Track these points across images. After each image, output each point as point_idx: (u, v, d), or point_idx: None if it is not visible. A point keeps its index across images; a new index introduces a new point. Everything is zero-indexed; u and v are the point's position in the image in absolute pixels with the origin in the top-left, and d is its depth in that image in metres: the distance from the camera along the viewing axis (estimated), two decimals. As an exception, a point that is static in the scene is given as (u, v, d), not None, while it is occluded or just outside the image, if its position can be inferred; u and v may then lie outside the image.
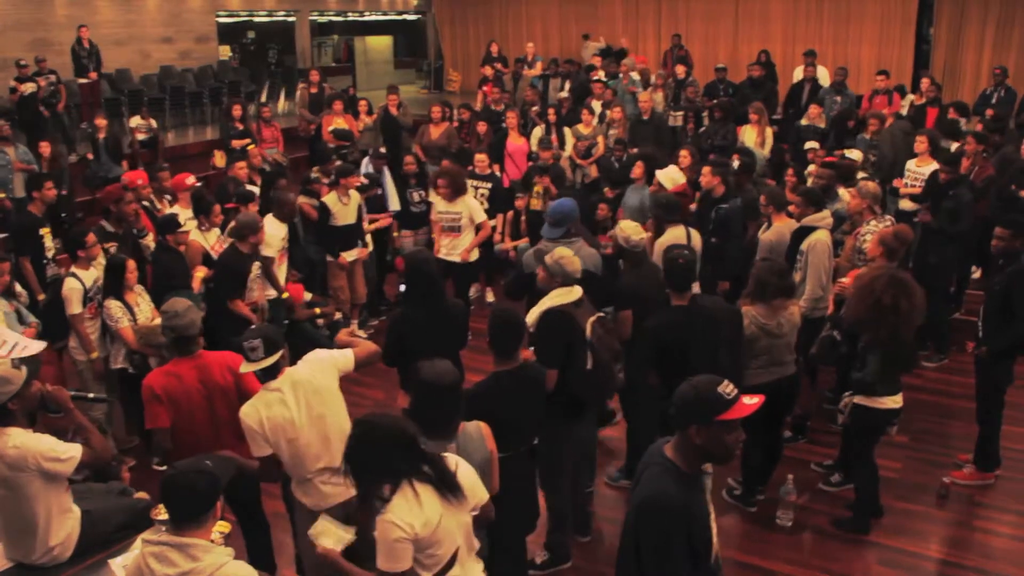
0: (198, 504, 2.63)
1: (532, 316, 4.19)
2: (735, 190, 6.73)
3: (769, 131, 9.49)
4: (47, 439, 3.34)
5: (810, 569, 4.54)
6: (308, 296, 7.30)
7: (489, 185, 8.00)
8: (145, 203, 6.81)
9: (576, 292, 4.25)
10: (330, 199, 7.12)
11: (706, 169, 6.73)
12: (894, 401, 4.60)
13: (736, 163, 7.45)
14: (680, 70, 11.97)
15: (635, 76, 12.45)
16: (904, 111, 10.62)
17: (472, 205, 7.15)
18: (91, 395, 4.49)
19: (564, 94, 12.00)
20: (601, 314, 4.36)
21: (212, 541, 3.07)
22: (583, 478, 4.76)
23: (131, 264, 5.32)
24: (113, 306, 5.25)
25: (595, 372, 4.21)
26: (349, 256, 7.23)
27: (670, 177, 6.57)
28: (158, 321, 5.34)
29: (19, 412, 3.34)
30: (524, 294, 5.05)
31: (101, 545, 3.55)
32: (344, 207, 7.11)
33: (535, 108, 10.73)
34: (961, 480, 5.24)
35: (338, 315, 7.40)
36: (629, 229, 4.88)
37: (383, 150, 8.23)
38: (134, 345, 5.27)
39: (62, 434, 3.51)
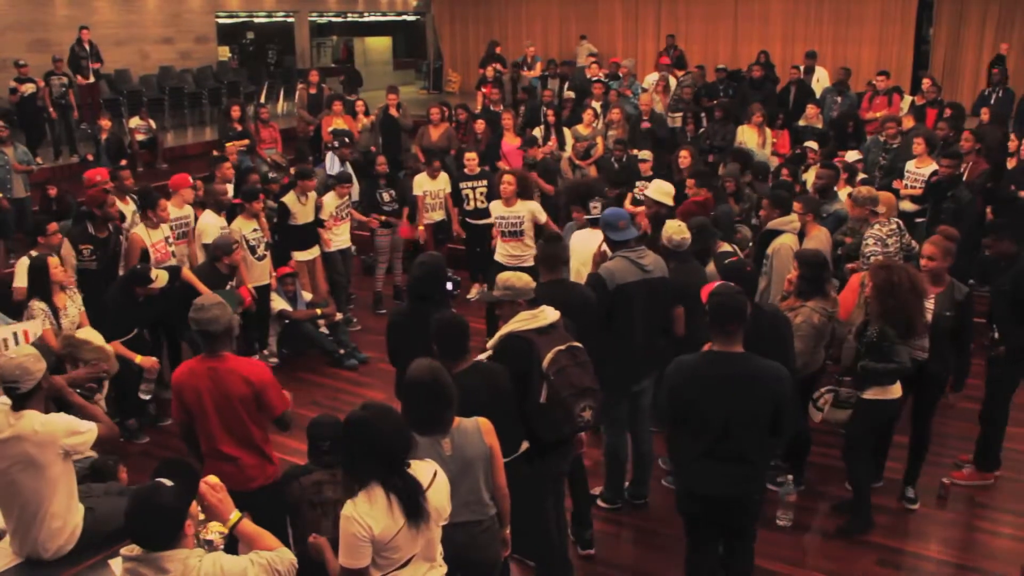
0: (162, 523, 2.51)
1: (492, 340, 4.02)
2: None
3: (770, 132, 9.49)
4: (64, 417, 3.52)
5: (810, 569, 4.54)
6: (308, 296, 7.32)
7: (484, 183, 8.00)
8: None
9: (545, 316, 3.91)
10: (289, 199, 7.25)
11: (690, 181, 6.74)
12: (899, 390, 4.68)
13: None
14: (675, 71, 11.97)
15: (648, 79, 12.45)
16: (904, 112, 10.61)
17: (533, 207, 6.84)
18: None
19: (569, 93, 11.98)
20: (575, 344, 3.89)
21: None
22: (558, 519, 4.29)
23: (53, 262, 5.23)
24: (36, 308, 5.14)
25: (548, 407, 3.78)
26: (301, 256, 7.37)
27: (664, 191, 6.25)
28: (79, 333, 5.01)
29: (40, 398, 3.49)
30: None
31: (101, 546, 3.55)
32: (302, 207, 7.24)
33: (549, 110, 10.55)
34: (961, 480, 5.24)
35: (339, 316, 7.41)
36: (672, 229, 4.99)
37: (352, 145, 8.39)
38: (55, 349, 4.99)
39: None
